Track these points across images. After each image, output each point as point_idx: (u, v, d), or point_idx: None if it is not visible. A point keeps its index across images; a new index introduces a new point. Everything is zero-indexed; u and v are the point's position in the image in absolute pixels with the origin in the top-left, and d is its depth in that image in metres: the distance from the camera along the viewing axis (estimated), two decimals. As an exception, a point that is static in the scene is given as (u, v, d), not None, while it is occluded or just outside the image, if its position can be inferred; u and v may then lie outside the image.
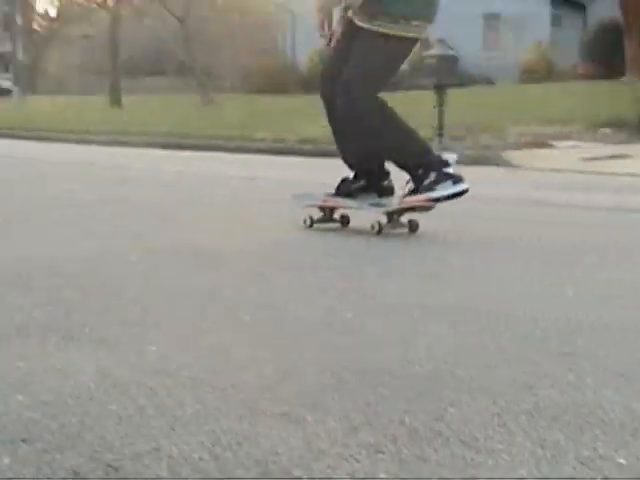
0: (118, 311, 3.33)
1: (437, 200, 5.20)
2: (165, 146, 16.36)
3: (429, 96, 14.42)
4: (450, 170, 5.22)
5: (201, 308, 3.41)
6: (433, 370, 2.57)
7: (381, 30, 5.16)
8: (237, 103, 28.14)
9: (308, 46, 33.86)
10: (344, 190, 5.52)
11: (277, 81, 32.58)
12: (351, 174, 5.56)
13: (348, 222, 5.60)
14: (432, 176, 5.18)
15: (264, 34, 48.35)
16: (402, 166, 5.34)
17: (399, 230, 5.39)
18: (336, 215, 5.61)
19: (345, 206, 5.51)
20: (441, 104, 14.02)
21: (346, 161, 5.55)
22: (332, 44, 5.43)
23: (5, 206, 6.89)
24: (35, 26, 69.20)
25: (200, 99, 30.63)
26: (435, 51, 14.86)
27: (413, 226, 5.37)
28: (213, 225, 5.94)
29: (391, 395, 2.33)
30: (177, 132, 18.05)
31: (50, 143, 19.00)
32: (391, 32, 5.16)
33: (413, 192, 5.24)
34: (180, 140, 16.96)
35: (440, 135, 13.92)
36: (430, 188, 5.18)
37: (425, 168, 5.21)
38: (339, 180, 5.57)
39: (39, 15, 70.46)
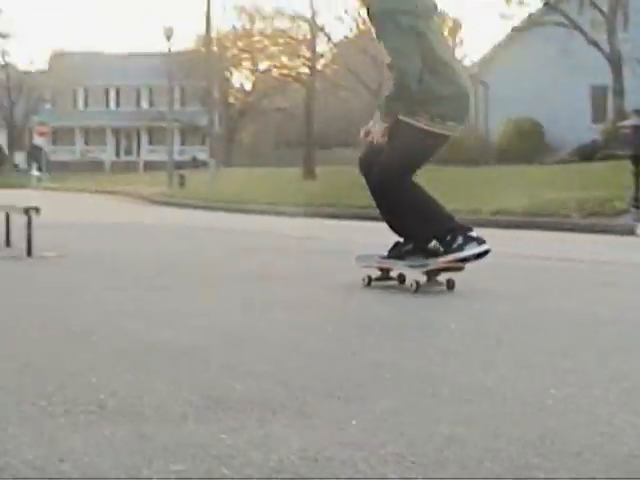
0: (317, 384, 3.31)
1: (465, 260, 5.88)
2: (354, 217, 16.52)
3: (624, 166, 14.09)
4: (473, 234, 5.92)
5: (407, 382, 3.35)
6: None
7: (419, 125, 5.89)
8: (427, 174, 28.13)
9: (501, 117, 33.70)
10: (395, 253, 6.11)
11: (470, 152, 32.49)
12: (401, 239, 6.15)
13: (404, 280, 6.11)
14: (459, 240, 5.86)
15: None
16: (435, 234, 5.97)
17: (438, 288, 5.92)
18: (393, 274, 6.19)
19: (394, 267, 6.12)
20: (637, 175, 13.69)
21: (393, 228, 6.17)
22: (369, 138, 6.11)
23: (207, 279, 7.03)
24: (231, 100, 71.51)
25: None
26: (631, 122, 14.55)
27: (450, 284, 5.94)
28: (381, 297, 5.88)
29: None
30: (366, 204, 18.14)
31: (243, 214, 19.46)
32: (429, 129, 5.89)
33: (444, 254, 5.88)
34: (369, 211, 17.03)
35: (637, 207, 13.55)
36: (460, 249, 5.84)
37: (453, 233, 5.89)
38: (392, 244, 6.14)
39: (235, 89, 72.79)
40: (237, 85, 73.11)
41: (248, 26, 59.00)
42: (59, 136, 73.71)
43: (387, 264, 6.15)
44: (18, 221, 8.78)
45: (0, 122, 72.21)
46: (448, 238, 5.88)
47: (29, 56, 76.37)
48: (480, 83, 37.14)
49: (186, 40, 75.55)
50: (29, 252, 8.29)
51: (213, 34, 55.84)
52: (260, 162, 60.25)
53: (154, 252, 9.23)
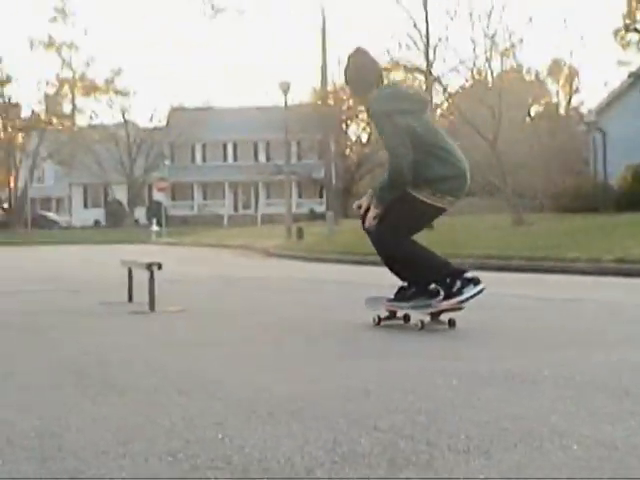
0: (443, 439, 3.26)
1: (464, 301, 6.66)
2: (480, 267, 16.35)
3: None
4: (469, 275, 6.71)
5: (531, 436, 3.28)
6: None
7: (421, 197, 6.77)
8: (547, 222, 27.85)
9: (620, 164, 33.14)
10: (400, 296, 6.93)
11: (588, 200, 32.04)
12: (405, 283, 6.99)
13: (409, 319, 6.92)
14: (458, 283, 6.67)
15: (574, 153, 47.94)
16: (434, 279, 6.76)
17: (440, 326, 6.69)
18: (399, 314, 6.97)
19: (400, 309, 6.92)
20: None
21: (399, 276, 6.99)
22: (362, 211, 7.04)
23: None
24: (347, 151, 71.99)
25: (511, 219, 30.57)
26: None
27: (452, 323, 6.74)
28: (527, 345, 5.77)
29: None
30: (493, 254, 17.96)
31: (361, 266, 19.46)
32: (431, 202, 6.79)
33: (445, 298, 6.64)
34: (497, 262, 16.85)
35: None
36: (459, 293, 6.65)
37: (451, 277, 6.70)
38: (397, 288, 6.95)
39: (351, 141, 73.30)
40: (353, 137, 73.67)
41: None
42: (178, 191, 75.21)
43: (393, 306, 6.96)
44: (140, 276, 8.94)
45: (120, 178, 74.08)
46: (448, 281, 6.67)
47: (148, 112, 78.45)
48: (597, 130, 36.64)
49: (302, 93, 76.46)
50: (152, 307, 8.43)
51: (329, 87, 56.66)
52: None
53: (275, 305, 9.28)
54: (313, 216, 62.03)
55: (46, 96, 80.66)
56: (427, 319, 6.71)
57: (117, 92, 79.09)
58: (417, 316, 6.74)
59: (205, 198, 76.96)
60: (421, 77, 40.26)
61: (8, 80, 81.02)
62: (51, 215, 79.63)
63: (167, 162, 73.99)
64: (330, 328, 7.01)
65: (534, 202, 42.42)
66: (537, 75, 65.47)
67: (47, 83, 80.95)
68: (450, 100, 41.12)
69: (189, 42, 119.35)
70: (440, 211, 6.97)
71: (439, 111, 43.79)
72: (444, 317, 6.75)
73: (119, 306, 8.97)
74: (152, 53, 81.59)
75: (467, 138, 33.53)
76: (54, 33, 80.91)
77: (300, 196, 73.06)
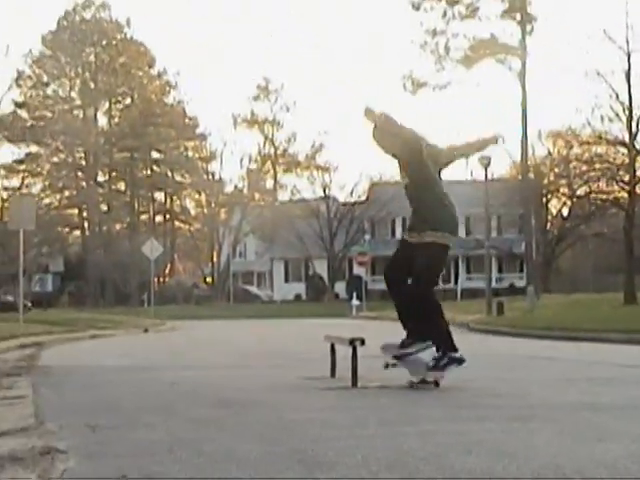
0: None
1: (442, 376, 8.10)
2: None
3: None
4: (457, 355, 8.13)
5: None
6: None
7: (430, 240, 8.12)
8: None
9: None
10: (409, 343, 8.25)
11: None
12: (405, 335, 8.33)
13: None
14: (445, 359, 8.07)
15: None
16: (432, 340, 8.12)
17: (427, 386, 8.10)
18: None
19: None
20: None
21: (405, 326, 8.36)
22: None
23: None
24: (548, 226, 70.91)
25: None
26: None
27: (436, 383, 8.12)
28: None
29: None
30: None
31: (566, 342, 19.03)
32: (439, 240, 8.14)
33: (431, 369, 8.06)
34: None
35: None
36: (443, 369, 8.09)
37: (444, 350, 8.05)
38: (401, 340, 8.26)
39: (552, 215, 72.18)
40: (554, 211, 72.54)
41: (564, 152, 58.64)
42: (378, 265, 75.63)
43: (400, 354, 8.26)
44: (343, 351, 9.01)
45: (321, 252, 75.24)
46: (440, 352, 8.05)
47: (348, 187, 79.92)
48: None
49: (502, 166, 76.01)
50: (354, 383, 8.46)
51: (529, 161, 56.08)
52: (578, 288, 59.11)
53: (485, 378, 9.16)
54: (513, 291, 61.18)
55: (249, 172, 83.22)
56: (416, 380, 8.24)
57: (318, 167, 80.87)
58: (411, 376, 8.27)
59: (405, 273, 77.03)
60: (624, 150, 39.44)
61: (213, 157, 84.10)
62: (253, 289, 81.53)
63: (367, 236, 74.68)
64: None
65: None
66: None
67: (250, 159, 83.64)
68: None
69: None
70: (448, 250, 8.39)
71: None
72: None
73: (322, 381, 9.05)
74: (352, 127, 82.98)
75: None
76: (257, 110, 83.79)
77: (500, 270, 72.41)
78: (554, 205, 72.33)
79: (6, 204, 44.46)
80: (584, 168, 44.50)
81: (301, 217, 74.80)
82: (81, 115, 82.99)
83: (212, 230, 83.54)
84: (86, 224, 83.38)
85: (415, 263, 8.16)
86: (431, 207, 8.28)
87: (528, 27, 48.31)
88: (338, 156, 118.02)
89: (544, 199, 67.23)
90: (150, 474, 4.28)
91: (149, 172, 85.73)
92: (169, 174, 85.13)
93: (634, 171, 38.08)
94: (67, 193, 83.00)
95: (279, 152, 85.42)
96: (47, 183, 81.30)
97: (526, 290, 36.13)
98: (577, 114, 55.40)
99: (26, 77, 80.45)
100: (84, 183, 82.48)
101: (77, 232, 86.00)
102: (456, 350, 8.12)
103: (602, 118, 38.91)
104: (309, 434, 5.50)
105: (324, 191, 79.07)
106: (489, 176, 38.85)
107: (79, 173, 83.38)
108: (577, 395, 7.79)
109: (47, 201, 79.18)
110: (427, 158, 8.27)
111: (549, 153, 66.09)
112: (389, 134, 8.34)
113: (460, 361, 8.13)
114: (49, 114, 79.46)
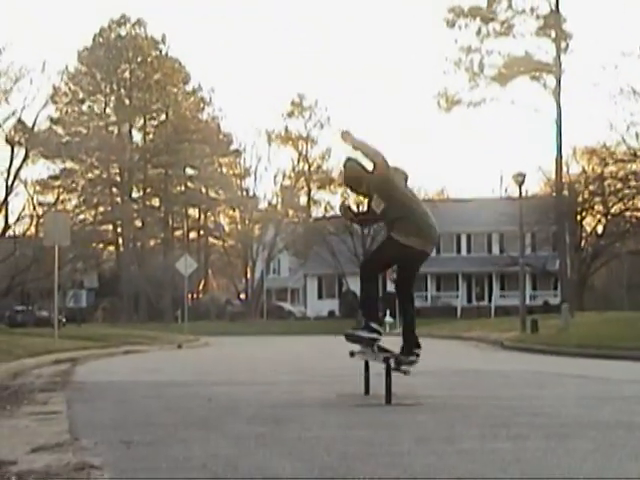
0: None
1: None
2: None
3: None
4: (419, 351, 8.92)
5: None
6: None
7: (395, 238, 8.97)
8: None
9: None
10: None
11: None
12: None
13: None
14: (413, 357, 8.86)
15: None
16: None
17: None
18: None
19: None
20: None
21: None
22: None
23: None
24: (582, 243, 70.47)
25: None
26: None
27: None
28: None
29: None
30: None
31: (601, 360, 18.90)
32: (400, 240, 8.89)
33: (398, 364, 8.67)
34: None
35: None
36: (411, 364, 8.81)
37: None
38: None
39: (587, 233, 71.74)
40: (588, 228, 72.12)
41: (599, 169, 58.33)
42: (412, 282, 75.39)
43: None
44: (376, 367, 8.99)
45: (355, 269, 74.56)
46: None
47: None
48: None
49: (536, 184, 75.61)
50: (388, 400, 8.43)
51: (564, 178, 55.80)
52: (613, 306, 58.70)
53: (514, 397, 9.11)
54: (547, 308, 60.82)
55: (282, 188, 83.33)
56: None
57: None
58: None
59: (439, 289, 76.91)
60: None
61: (247, 173, 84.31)
62: (286, 306, 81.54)
63: (401, 253, 74.35)
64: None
65: None
66: None
67: (284, 176, 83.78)
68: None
69: (422, 132, 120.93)
70: (416, 253, 9.18)
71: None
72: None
73: (356, 398, 9.04)
74: (386, 144, 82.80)
75: None
76: (291, 126, 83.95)
77: (534, 288, 72.07)
78: (588, 222, 71.92)
79: (41, 220, 44.77)
80: (619, 185, 44.26)
81: (335, 233, 74.75)
82: (116, 131, 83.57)
83: (246, 246, 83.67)
84: (120, 240, 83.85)
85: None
86: (416, 223, 8.96)
87: (563, 44, 48.14)
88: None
89: (578, 216, 66.83)
90: (185, 490, 4.28)
91: (183, 188, 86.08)
92: (203, 190, 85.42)
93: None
94: (102, 209, 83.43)
95: (313, 168, 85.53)
96: (82, 199, 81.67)
97: (560, 308, 35.88)
98: (612, 131, 55.05)
99: (62, 93, 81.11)
100: (119, 199, 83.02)
101: (111, 248, 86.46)
102: (419, 347, 8.96)
103: (637, 135, 38.70)
104: (343, 451, 5.49)
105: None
106: (523, 193, 38.66)
107: (114, 189, 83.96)
108: (612, 413, 7.73)
109: (82, 217, 79.47)
110: (397, 180, 8.98)
111: (583, 170, 65.69)
112: (355, 180, 9.21)
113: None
114: (84, 130, 79.93)
